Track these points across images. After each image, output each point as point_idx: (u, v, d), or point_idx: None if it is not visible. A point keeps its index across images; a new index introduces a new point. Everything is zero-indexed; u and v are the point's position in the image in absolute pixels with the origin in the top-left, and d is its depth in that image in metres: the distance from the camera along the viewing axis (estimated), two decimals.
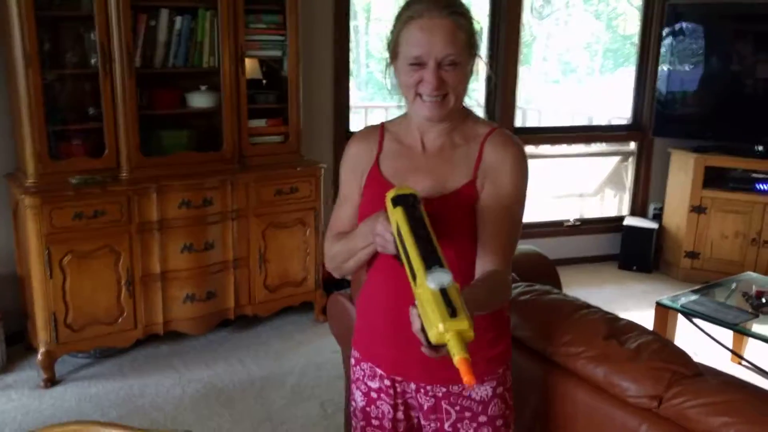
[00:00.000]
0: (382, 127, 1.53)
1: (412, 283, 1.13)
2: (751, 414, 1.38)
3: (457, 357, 1.00)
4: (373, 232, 1.30)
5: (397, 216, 1.22)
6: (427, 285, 1.06)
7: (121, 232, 3.08)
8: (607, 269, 4.81)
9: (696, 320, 2.97)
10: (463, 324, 1.01)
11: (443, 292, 1.05)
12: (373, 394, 1.52)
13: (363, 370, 1.54)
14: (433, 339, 1.03)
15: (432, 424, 1.48)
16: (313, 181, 3.58)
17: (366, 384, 1.53)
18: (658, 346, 1.64)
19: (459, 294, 1.06)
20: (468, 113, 1.47)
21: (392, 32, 1.39)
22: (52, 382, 3.03)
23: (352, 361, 1.58)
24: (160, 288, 3.21)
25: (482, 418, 1.45)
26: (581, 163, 5.28)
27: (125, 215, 3.07)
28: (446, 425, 1.46)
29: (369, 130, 1.55)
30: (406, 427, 1.52)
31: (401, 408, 1.51)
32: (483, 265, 1.39)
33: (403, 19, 1.35)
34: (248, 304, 3.51)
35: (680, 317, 3.04)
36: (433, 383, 1.44)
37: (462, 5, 1.36)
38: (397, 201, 1.25)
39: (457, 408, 1.45)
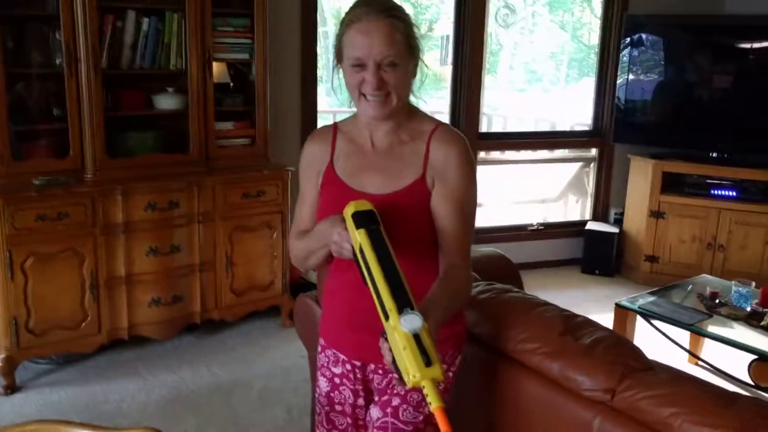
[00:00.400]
0: (335, 127, 1.59)
1: (381, 316, 1.19)
2: (697, 404, 1.44)
3: (434, 406, 1.08)
4: (329, 239, 1.37)
5: (361, 239, 1.28)
6: (401, 329, 1.12)
7: (85, 235, 3.05)
8: (570, 273, 4.90)
9: (653, 321, 3.06)
10: (436, 372, 1.10)
11: (416, 337, 1.11)
12: (336, 380, 1.58)
13: (327, 357, 1.60)
14: (408, 384, 1.10)
15: (385, 397, 1.52)
16: (281, 184, 3.59)
17: (330, 370, 1.59)
18: (611, 341, 1.70)
19: (429, 336, 1.13)
20: (414, 111, 1.53)
21: (336, 36, 1.46)
22: (12, 389, 2.98)
23: (318, 348, 1.64)
24: (125, 291, 3.19)
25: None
26: (544, 168, 5.38)
27: (90, 217, 3.05)
28: (394, 402, 1.51)
29: (323, 130, 1.61)
30: (366, 413, 1.56)
31: (362, 394, 1.56)
32: (443, 261, 1.46)
33: (344, 24, 1.42)
34: (215, 308, 3.50)
35: (639, 318, 3.12)
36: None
37: (399, 9, 1.43)
38: (358, 221, 1.30)
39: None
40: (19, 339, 2.96)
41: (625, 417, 1.52)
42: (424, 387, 1.09)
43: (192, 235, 3.35)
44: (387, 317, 1.17)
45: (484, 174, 4.79)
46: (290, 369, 3.25)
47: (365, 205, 1.34)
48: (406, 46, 1.41)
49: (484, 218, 4.93)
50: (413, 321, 1.13)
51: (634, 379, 1.56)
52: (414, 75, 1.48)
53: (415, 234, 1.46)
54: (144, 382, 3.10)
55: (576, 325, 1.78)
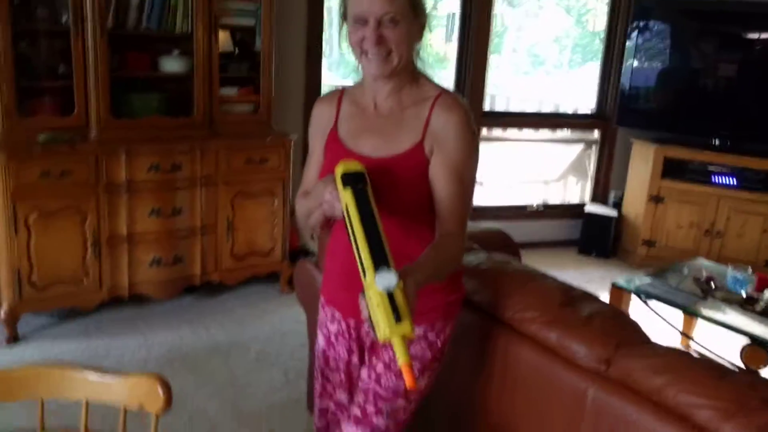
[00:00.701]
0: (342, 91, 1.60)
1: (361, 273, 1.22)
2: (693, 375, 1.46)
3: (401, 361, 1.12)
4: (322, 198, 1.38)
5: (346, 198, 1.30)
6: (375, 286, 1.15)
7: (88, 193, 3.07)
8: (567, 254, 4.94)
9: (649, 302, 3.09)
10: (406, 329, 1.13)
11: (390, 295, 1.15)
12: (332, 338, 1.62)
13: (326, 314, 1.64)
14: (379, 338, 1.14)
15: (374, 359, 1.56)
16: (283, 152, 3.60)
17: (327, 327, 1.64)
18: (609, 314, 1.73)
19: (403, 295, 1.16)
20: (419, 76, 1.52)
21: None
22: (14, 339, 3.02)
23: (319, 306, 1.68)
24: (126, 250, 3.22)
25: None
26: (546, 149, 5.39)
27: (93, 176, 3.07)
28: (378, 368, 1.54)
29: (330, 93, 1.63)
30: (360, 371, 1.60)
31: (356, 352, 1.60)
32: (438, 229, 1.47)
33: None
34: (215, 271, 3.53)
35: (634, 299, 3.16)
36: None
37: None
38: (346, 180, 1.32)
39: None
40: (21, 292, 2.99)
41: (620, 386, 1.55)
42: (393, 343, 1.13)
43: (194, 198, 3.36)
44: (364, 275, 1.20)
45: (485, 152, 4.80)
46: (288, 333, 3.28)
47: (355, 166, 1.36)
48: (408, 5, 1.40)
49: (484, 197, 4.95)
50: (388, 279, 1.16)
51: (630, 350, 1.58)
52: (419, 38, 1.47)
53: (411, 199, 1.47)
54: (144, 340, 3.14)
55: (575, 297, 1.80)
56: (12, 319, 3.00)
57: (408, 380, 1.10)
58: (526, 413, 1.73)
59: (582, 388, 1.60)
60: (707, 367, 1.52)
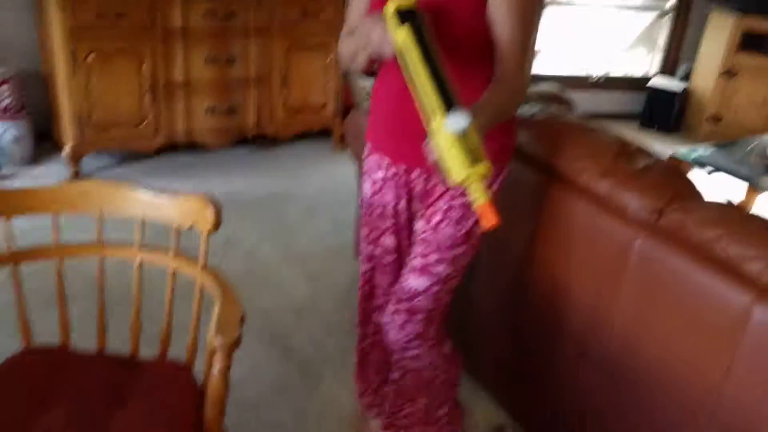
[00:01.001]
0: None
1: (426, 115, 1.15)
2: (745, 228, 1.43)
3: (482, 200, 1.08)
4: (369, 39, 1.28)
5: (403, 37, 1.20)
6: (447, 129, 1.09)
7: (144, 37, 3.07)
8: (628, 127, 4.77)
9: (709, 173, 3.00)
10: (483, 168, 1.08)
11: (463, 136, 1.08)
12: (379, 185, 1.60)
13: (372, 161, 1.62)
14: (454, 181, 1.09)
15: (429, 210, 1.54)
16: (339, 3, 3.48)
17: (374, 173, 1.61)
18: (664, 168, 1.68)
19: (477, 133, 1.09)
20: None
21: None
22: (78, 176, 3.17)
23: (365, 153, 1.65)
24: (182, 97, 3.25)
25: (456, 201, 1.50)
26: (616, 17, 5.06)
27: (148, 19, 3.05)
28: (435, 218, 1.52)
29: None
30: (407, 217, 1.61)
31: (404, 196, 1.58)
32: (498, 69, 1.40)
33: None
34: (268, 123, 3.55)
35: (692, 175, 3.06)
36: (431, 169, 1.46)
37: None
38: (401, 17, 1.22)
39: (448, 190, 1.50)
40: (83, 132, 3.09)
41: (669, 237, 1.52)
42: (470, 184, 1.09)
43: (248, 47, 3.33)
44: (432, 117, 1.14)
45: (550, 18, 4.54)
46: (338, 187, 3.34)
47: (409, 3, 1.25)
48: None
49: (544, 65, 4.75)
50: (460, 119, 1.10)
51: (683, 203, 1.54)
52: None
53: (468, 40, 1.39)
54: (199, 185, 3.25)
55: (631, 150, 1.74)
56: (76, 157, 3.13)
57: (492, 217, 1.08)
58: (572, 263, 1.73)
59: (629, 239, 1.58)
60: (762, 222, 1.48)
